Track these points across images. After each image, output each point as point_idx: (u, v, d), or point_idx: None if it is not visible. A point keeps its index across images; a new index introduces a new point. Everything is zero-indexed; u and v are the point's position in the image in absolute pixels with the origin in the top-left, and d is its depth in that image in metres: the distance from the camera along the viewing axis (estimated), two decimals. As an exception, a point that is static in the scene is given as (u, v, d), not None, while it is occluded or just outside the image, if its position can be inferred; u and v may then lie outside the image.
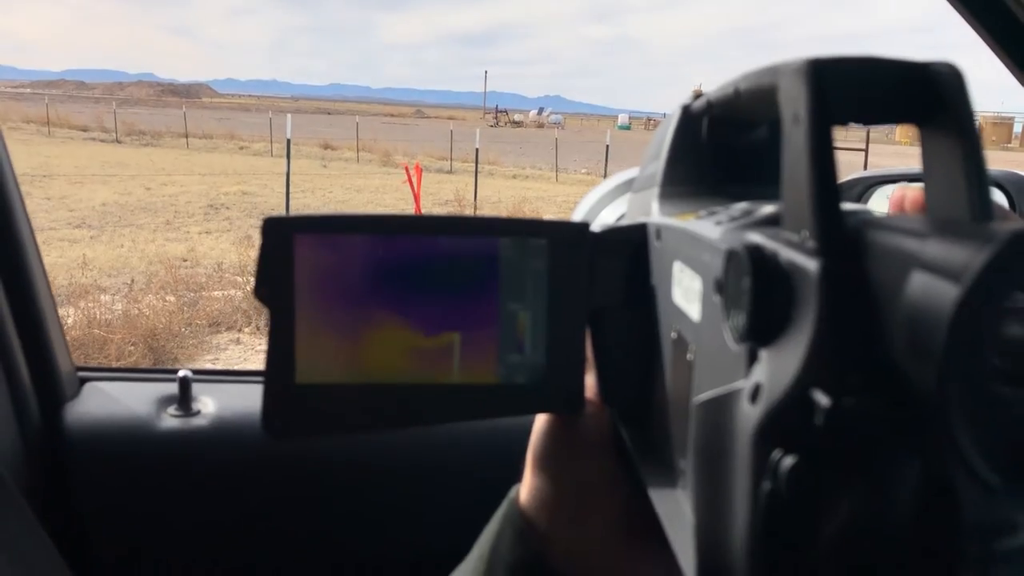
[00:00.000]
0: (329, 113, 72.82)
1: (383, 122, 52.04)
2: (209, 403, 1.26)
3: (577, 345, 0.46)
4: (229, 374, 1.41)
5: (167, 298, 5.91)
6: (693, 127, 0.47)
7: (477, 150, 11.95)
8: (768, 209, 0.35)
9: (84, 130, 27.97)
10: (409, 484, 1.24)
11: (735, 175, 0.46)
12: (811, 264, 0.26)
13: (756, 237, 0.31)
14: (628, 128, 76.01)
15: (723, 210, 0.38)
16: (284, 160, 8.62)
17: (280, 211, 9.10)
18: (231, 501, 1.22)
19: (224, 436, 1.22)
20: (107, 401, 1.26)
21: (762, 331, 0.28)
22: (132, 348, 4.96)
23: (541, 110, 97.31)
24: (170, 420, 1.23)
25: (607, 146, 13.36)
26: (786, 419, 0.25)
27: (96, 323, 5.12)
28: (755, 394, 0.27)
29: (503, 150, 26.88)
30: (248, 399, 1.26)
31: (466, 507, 1.19)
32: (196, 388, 1.27)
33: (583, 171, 21.89)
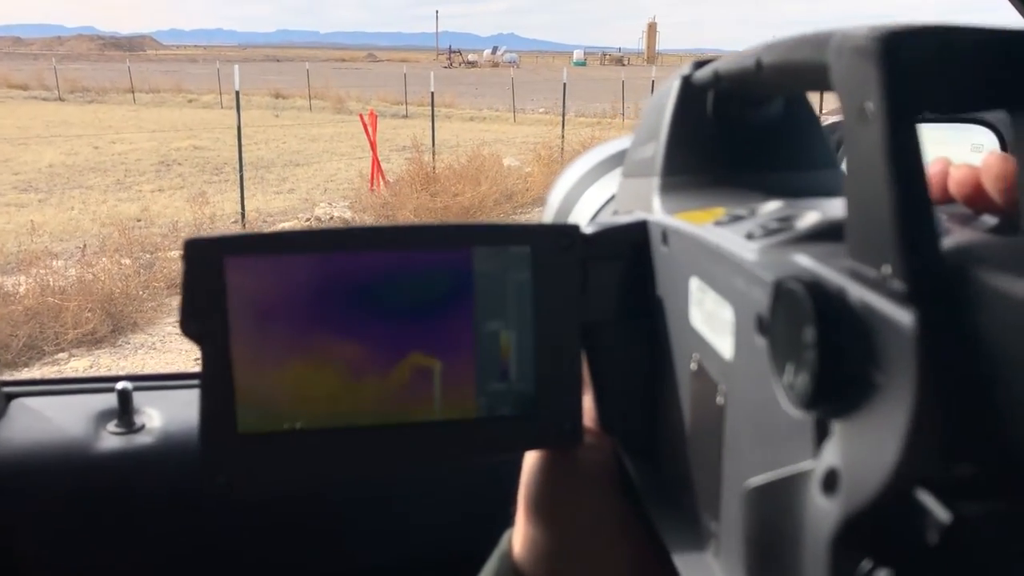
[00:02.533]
0: (278, 60, 71.29)
1: (334, 68, 50.95)
2: (154, 416, 1.11)
3: (571, 367, 0.40)
4: (175, 378, 1.24)
5: (122, 261, 5.76)
6: (696, 102, 0.40)
7: (432, 93, 11.72)
8: (812, 216, 0.28)
9: (24, 88, 27.10)
10: (387, 509, 1.12)
11: (746, 159, 0.40)
12: (903, 316, 0.20)
13: (809, 263, 0.24)
14: (584, 64, 75.28)
15: (749, 214, 0.32)
16: (234, 112, 8.38)
17: (234, 165, 8.91)
18: (184, 529, 1.08)
19: (173, 454, 1.07)
20: (37, 420, 1.10)
21: (835, 398, 0.22)
22: (89, 315, 4.85)
23: (495, 49, 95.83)
24: (110, 438, 1.07)
25: (564, 85, 13.16)
26: (877, 522, 0.20)
27: (50, 290, 4.98)
28: (830, 482, 0.22)
29: (459, 92, 26.48)
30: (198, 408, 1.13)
31: (452, 531, 1.09)
32: (138, 399, 1.12)
33: (541, 111, 21.67)
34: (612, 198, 0.50)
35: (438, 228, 0.39)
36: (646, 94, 16.78)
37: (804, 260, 0.25)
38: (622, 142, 0.52)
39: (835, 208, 0.29)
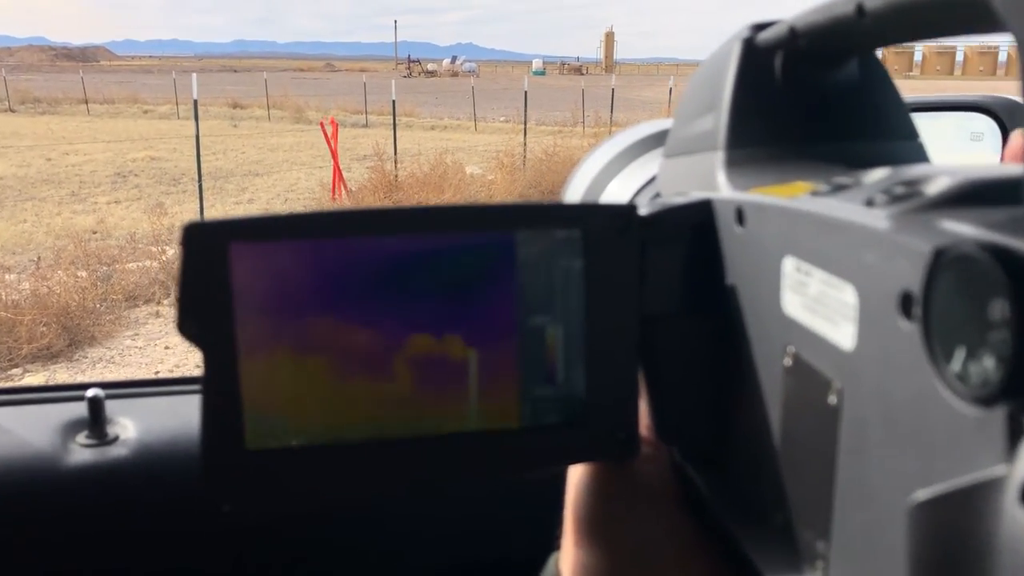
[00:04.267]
0: (236, 71, 70.58)
1: (293, 77, 50.53)
2: (129, 426, 1.00)
3: (627, 368, 0.35)
4: (151, 384, 1.13)
5: (78, 273, 5.62)
6: (761, 67, 0.36)
7: (394, 102, 11.64)
8: (946, 180, 0.24)
9: (-27, 100, 26.52)
10: (389, 530, 1.00)
11: (819, 128, 0.36)
12: None
13: (976, 229, 0.20)
14: (543, 73, 75.47)
15: (853, 182, 0.28)
16: (192, 122, 8.25)
17: (192, 176, 8.77)
18: (163, 548, 0.98)
19: (151, 467, 0.97)
20: None
21: None
22: (44, 329, 4.71)
23: (454, 58, 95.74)
24: (80, 451, 0.96)
25: (525, 93, 13.16)
26: None
27: (2, 304, 4.84)
28: None
29: (419, 101, 26.37)
30: (178, 416, 1.02)
31: (479, 546, 1.03)
32: (111, 407, 1.01)
33: (502, 119, 21.64)
34: (648, 183, 0.45)
35: (476, 208, 0.34)
36: (605, 103, 16.87)
37: (966, 227, 0.21)
38: (650, 125, 0.49)
39: (957, 174, 0.25)
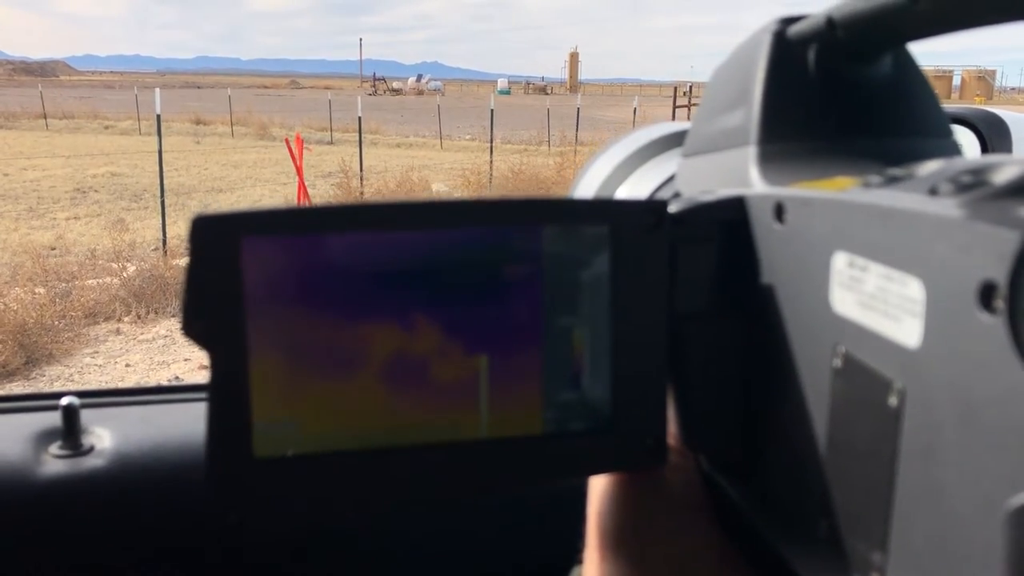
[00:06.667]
0: (199, 87, 70.03)
1: (256, 94, 50.22)
2: (104, 436, 0.96)
3: (655, 372, 0.34)
4: (128, 393, 1.08)
5: (36, 290, 5.51)
6: (794, 60, 0.35)
7: (360, 118, 11.60)
8: (1014, 170, 0.23)
9: (-73, 114, 26.00)
10: (399, 543, 0.97)
11: (854, 123, 0.35)
12: None
13: None
14: (508, 92, 75.80)
15: (906, 175, 0.26)
16: (153, 138, 8.14)
17: (154, 192, 8.65)
18: (138, 562, 0.93)
19: (127, 478, 0.92)
20: None
21: None
22: (0, 347, 4.61)
23: (420, 77, 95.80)
24: (54, 462, 0.92)
25: (491, 111, 13.21)
26: None
27: (-43, 322, 4.72)
28: None
29: (384, 118, 26.32)
30: (156, 426, 0.97)
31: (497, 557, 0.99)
32: (86, 416, 0.96)
33: (467, 137, 21.69)
34: (664, 183, 0.44)
35: (500, 203, 0.32)
36: (571, 122, 16.99)
37: None
38: (663, 127, 0.48)
39: (1017, 164, 0.24)
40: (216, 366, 0.30)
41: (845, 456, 0.28)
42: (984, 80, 66.15)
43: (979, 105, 0.98)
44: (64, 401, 0.94)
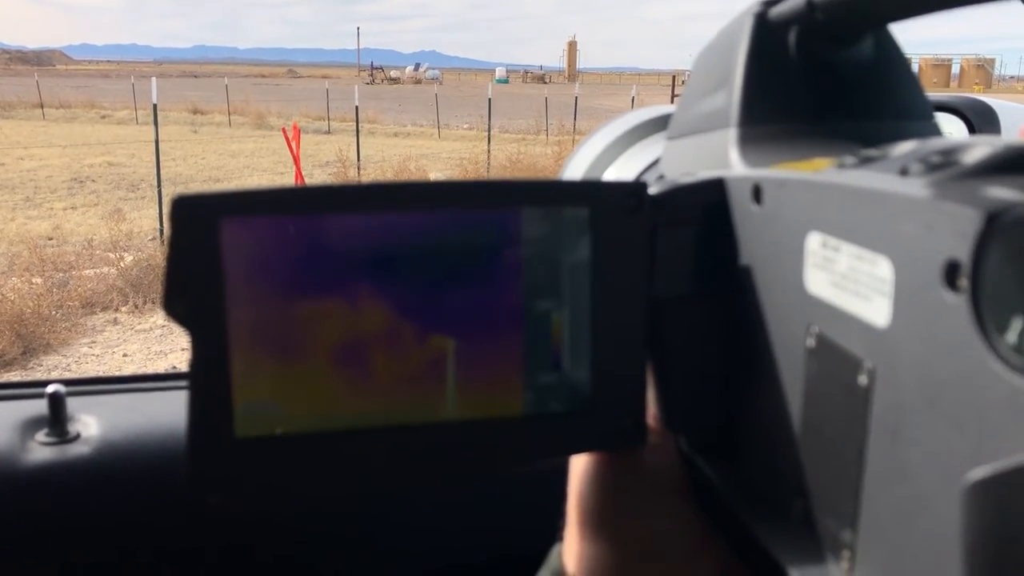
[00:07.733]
0: (196, 76, 69.88)
1: (254, 83, 50.11)
2: (91, 423, 0.95)
3: (635, 354, 0.34)
4: (114, 381, 1.07)
5: (33, 280, 5.51)
6: (775, 42, 0.35)
7: (357, 108, 11.59)
8: (984, 149, 0.23)
9: (-76, 104, 25.92)
10: (382, 523, 0.96)
11: (834, 106, 0.35)
12: None
13: None
14: (506, 82, 75.66)
15: (880, 155, 0.26)
16: (150, 128, 8.12)
17: (151, 182, 8.64)
18: (125, 550, 0.92)
19: (114, 466, 0.92)
20: None
21: None
22: (-3, 336, 4.61)
23: (417, 66, 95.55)
24: (40, 450, 0.91)
25: (489, 100, 13.17)
26: None
27: (-46, 312, 4.73)
28: None
29: (382, 108, 26.28)
30: (143, 414, 0.97)
31: (477, 538, 0.98)
32: (72, 404, 0.95)
33: (465, 126, 21.64)
34: (650, 166, 0.44)
35: (479, 185, 0.33)
36: (568, 111, 16.95)
37: (1016, 192, 0.20)
38: (650, 110, 0.48)
39: (994, 143, 0.24)
40: (197, 346, 0.30)
41: (818, 436, 0.28)
42: (983, 68, 66.11)
43: (975, 94, 0.98)
44: (50, 389, 0.94)
